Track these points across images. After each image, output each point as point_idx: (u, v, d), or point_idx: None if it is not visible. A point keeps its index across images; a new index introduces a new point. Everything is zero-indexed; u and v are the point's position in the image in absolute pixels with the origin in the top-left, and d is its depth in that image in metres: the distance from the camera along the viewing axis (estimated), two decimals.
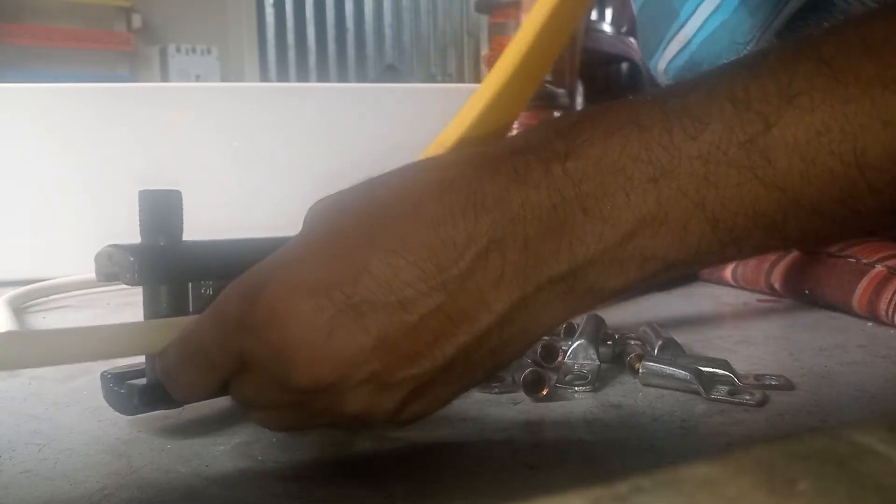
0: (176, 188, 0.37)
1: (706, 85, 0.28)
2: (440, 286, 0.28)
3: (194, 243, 0.37)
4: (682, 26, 0.70)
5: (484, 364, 0.30)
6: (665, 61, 0.73)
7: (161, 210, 0.36)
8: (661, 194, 0.27)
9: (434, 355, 0.29)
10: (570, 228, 0.28)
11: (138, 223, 0.36)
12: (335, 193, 0.32)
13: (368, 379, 0.29)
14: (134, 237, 0.36)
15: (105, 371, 0.36)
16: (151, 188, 0.36)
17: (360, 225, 0.29)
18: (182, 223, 0.37)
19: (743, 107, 0.26)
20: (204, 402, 0.38)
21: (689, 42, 0.70)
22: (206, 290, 0.37)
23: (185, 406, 0.37)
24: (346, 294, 0.28)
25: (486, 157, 0.29)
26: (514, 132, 0.49)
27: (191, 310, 0.36)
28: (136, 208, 0.36)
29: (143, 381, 0.36)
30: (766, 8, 0.63)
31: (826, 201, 0.26)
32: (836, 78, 0.25)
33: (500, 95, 0.43)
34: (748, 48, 0.65)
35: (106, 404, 0.36)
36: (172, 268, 0.36)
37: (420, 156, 0.40)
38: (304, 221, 0.32)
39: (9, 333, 0.31)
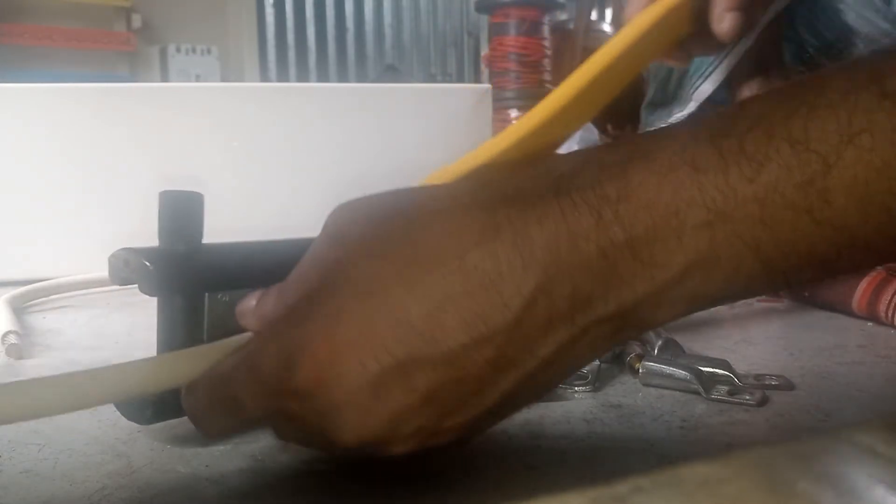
0: (173, 189, 0.35)
1: (762, 124, 0.26)
2: (487, 339, 0.27)
3: (214, 247, 0.36)
4: None
5: (527, 399, 0.30)
6: None
7: (182, 213, 0.35)
8: (714, 238, 0.26)
9: (481, 402, 0.28)
10: (619, 273, 0.27)
11: (157, 225, 0.35)
12: (362, 210, 0.31)
13: (415, 433, 0.28)
14: (135, 237, 0.36)
15: None
16: (173, 189, 0.35)
17: (399, 273, 0.28)
18: (202, 228, 0.35)
19: (801, 147, 0.25)
20: None
21: None
22: (221, 296, 0.36)
23: None
24: (390, 353, 0.27)
25: (530, 198, 0.28)
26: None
27: (206, 319, 0.35)
28: (136, 208, 0.36)
29: None
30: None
31: (881, 238, 0.26)
32: None
33: (563, 110, 0.42)
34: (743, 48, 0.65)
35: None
36: (190, 277, 0.35)
37: (428, 166, 0.40)
38: (326, 239, 0.31)
39: (14, 384, 0.29)
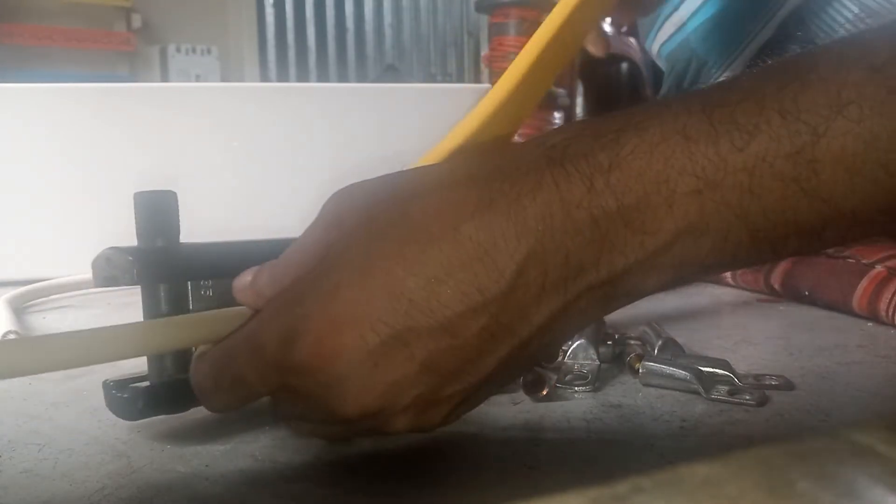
0: (171, 189, 0.37)
1: (754, 95, 0.27)
2: (482, 307, 0.28)
3: (192, 245, 0.37)
4: (675, 9, 0.70)
5: (522, 367, 0.31)
6: (658, 43, 0.73)
7: (157, 211, 0.36)
8: (703, 206, 0.27)
9: (477, 370, 0.29)
10: (610, 240, 0.27)
11: (134, 226, 0.36)
12: (359, 193, 0.32)
13: (414, 402, 0.29)
14: (134, 237, 0.36)
15: (107, 379, 0.36)
16: (146, 190, 0.36)
17: (398, 250, 0.29)
18: (178, 224, 0.37)
19: (792, 118, 0.26)
20: None
21: (683, 25, 0.70)
22: (205, 292, 0.37)
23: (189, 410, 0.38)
24: (388, 324, 0.28)
25: (523, 168, 0.29)
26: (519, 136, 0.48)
27: (191, 309, 0.36)
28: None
29: (146, 384, 0.36)
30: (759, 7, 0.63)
31: (867, 210, 0.26)
32: (887, 87, 0.25)
33: (512, 97, 0.43)
34: (743, 47, 0.65)
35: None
36: (171, 267, 0.36)
37: (422, 155, 0.40)
38: (324, 222, 0.32)
39: (18, 340, 0.30)
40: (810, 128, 0.25)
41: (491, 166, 0.29)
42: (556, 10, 0.46)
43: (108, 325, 0.32)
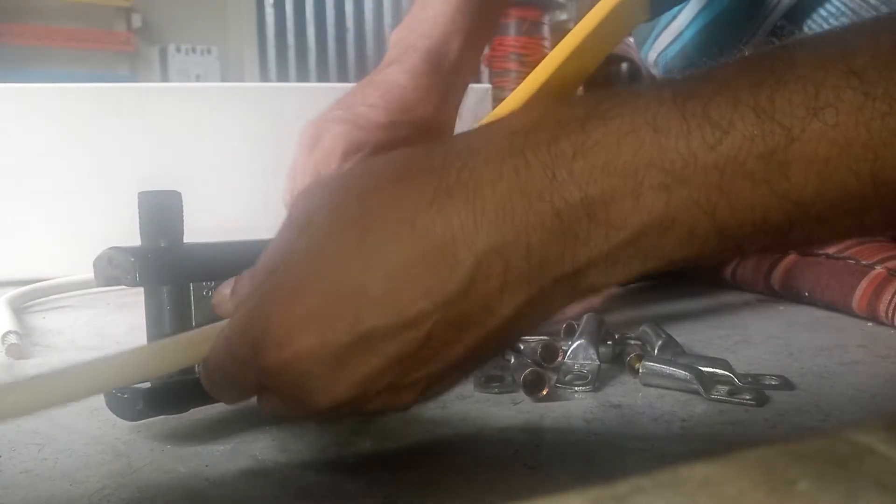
0: (175, 189, 0.37)
1: (729, 89, 0.26)
2: (443, 301, 0.27)
3: (195, 245, 0.37)
4: (673, 18, 0.69)
5: (492, 353, 0.31)
6: (656, 52, 0.73)
7: (161, 211, 0.36)
8: (671, 201, 0.26)
9: (445, 357, 0.29)
10: (573, 233, 0.27)
11: (138, 225, 0.36)
12: (325, 190, 0.32)
13: (386, 388, 0.29)
14: (134, 238, 0.36)
15: None
16: (151, 189, 0.36)
17: (356, 246, 0.28)
18: (182, 225, 0.37)
19: (766, 117, 0.25)
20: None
21: (680, 34, 0.70)
22: (207, 292, 0.37)
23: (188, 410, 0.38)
24: (349, 324, 0.28)
25: (483, 156, 0.28)
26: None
27: (193, 310, 0.36)
28: (136, 209, 0.36)
29: (146, 385, 0.36)
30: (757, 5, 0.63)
31: (835, 213, 0.26)
32: (865, 92, 0.24)
33: (575, 52, 0.43)
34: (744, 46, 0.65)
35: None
36: (173, 269, 0.36)
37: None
38: (293, 222, 0.32)
39: (19, 382, 0.30)
40: (785, 129, 0.25)
41: (450, 154, 0.29)
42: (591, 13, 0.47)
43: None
